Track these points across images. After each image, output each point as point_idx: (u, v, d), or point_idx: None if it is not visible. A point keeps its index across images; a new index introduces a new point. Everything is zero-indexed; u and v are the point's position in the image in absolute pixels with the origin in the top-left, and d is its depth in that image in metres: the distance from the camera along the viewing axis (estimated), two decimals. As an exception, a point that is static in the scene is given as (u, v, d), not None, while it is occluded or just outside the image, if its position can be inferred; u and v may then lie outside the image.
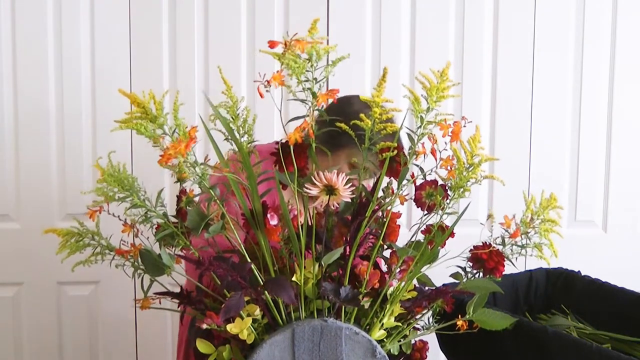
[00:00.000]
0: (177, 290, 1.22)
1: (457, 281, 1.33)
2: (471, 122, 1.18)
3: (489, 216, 1.39)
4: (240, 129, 1.17)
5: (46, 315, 2.11)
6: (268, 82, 1.06)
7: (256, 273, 1.12)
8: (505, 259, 1.28)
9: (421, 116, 1.14)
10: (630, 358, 1.08)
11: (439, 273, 1.57)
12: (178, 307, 1.22)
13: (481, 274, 1.29)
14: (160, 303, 1.25)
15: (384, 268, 1.21)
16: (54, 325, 2.12)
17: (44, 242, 1.83)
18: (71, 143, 2.07)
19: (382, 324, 1.17)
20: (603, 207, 2.19)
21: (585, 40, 2.13)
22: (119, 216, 1.21)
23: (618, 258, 2.18)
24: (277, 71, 1.07)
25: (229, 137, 1.16)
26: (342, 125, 1.09)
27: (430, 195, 1.19)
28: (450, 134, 1.16)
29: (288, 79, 1.09)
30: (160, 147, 1.08)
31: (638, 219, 2.21)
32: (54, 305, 2.11)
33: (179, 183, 1.16)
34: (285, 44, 1.05)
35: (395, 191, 1.17)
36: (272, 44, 1.06)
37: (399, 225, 1.21)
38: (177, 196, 1.20)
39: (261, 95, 1.06)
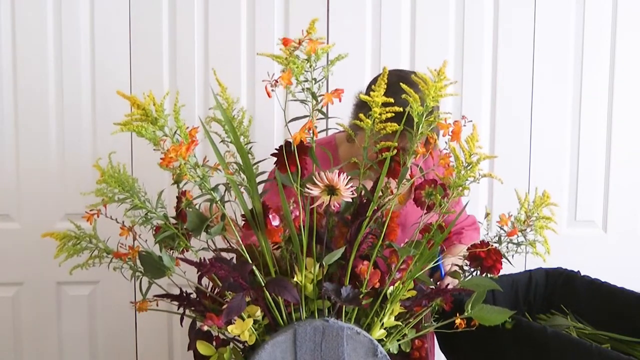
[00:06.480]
0: (175, 291, 1.22)
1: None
2: (471, 121, 1.17)
3: (487, 215, 1.39)
4: (236, 130, 1.17)
5: (46, 315, 2.11)
6: (276, 81, 1.06)
7: (257, 274, 1.12)
8: (502, 257, 1.28)
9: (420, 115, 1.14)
10: (630, 358, 1.08)
11: (439, 273, 1.57)
12: (178, 309, 1.22)
13: (479, 272, 1.29)
14: (157, 305, 1.25)
15: None
16: (54, 325, 2.12)
17: (44, 242, 1.82)
18: (71, 143, 2.07)
19: (382, 323, 1.17)
20: (603, 207, 2.19)
21: (586, 40, 2.13)
22: (116, 219, 1.21)
23: (618, 258, 2.18)
24: (284, 70, 1.07)
25: (228, 139, 1.15)
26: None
27: (429, 195, 1.19)
28: (450, 133, 1.16)
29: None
30: (160, 149, 1.07)
31: (638, 218, 2.21)
32: (53, 305, 2.11)
33: (178, 184, 1.16)
34: (300, 42, 1.05)
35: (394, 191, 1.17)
36: (285, 42, 1.06)
37: (398, 225, 1.21)
38: (177, 197, 1.20)
39: (269, 95, 1.05)
